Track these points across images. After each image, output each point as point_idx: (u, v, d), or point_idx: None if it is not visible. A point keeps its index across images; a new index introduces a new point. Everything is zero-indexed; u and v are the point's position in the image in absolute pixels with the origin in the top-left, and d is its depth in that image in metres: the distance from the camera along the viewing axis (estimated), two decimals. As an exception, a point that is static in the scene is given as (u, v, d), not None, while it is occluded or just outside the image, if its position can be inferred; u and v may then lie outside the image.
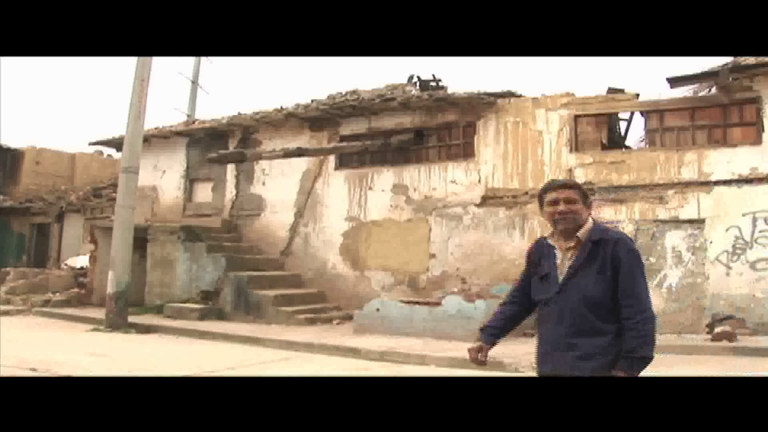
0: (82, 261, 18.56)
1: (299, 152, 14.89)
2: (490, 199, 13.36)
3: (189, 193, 17.90)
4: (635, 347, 2.79)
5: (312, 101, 16.10)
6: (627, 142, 14.08)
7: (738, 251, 11.09)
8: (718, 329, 10.24)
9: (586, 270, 2.94)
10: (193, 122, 18.99)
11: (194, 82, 25.87)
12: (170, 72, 41.37)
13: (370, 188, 14.81)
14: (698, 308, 11.29)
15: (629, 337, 2.81)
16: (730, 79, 11.25)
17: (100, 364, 8.70)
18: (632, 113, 13.65)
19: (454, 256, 13.55)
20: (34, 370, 7.74)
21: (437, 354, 9.42)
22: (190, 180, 17.85)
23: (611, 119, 13.40)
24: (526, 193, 12.84)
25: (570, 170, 12.62)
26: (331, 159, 15.43)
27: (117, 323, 12.50)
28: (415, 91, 15.13)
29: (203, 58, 25.90)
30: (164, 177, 18.11)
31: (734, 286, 11.06)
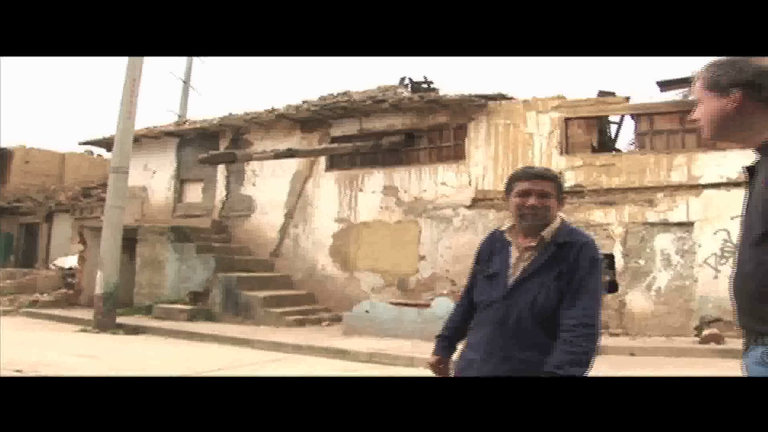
0: (70, 261, 18.46)
1: (290, 153, 14.87)
2: (480, 201, 13.37)
3: (179, 193, 17.85)
4: (564, 363, 2.36)
5: (303, 102, 16.08)
6: (617, 145, 14.14)
7: (726, 254, 11.14)
8: (706, 332, 10.29)
9: (543, 275, 2.55)
10: (184, 122, 18.94)
11: (186, 83, 25.81)
12: (162, 72, 41.33)
13: (361, 190, 14.80)
14: (687, 311, 11.34)
15: (561, 350, 2.40)
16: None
17: (87, 365, 8.66)
18: (622, 116, 13.70)
19: (444, 258, 13.54)
20: (19, 371, 7.68)
21: (426, 356, 9.29)
22: (181, 180, 17.80)
23: (602, 122, 13.46)
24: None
25: (560, 173, 12.60)
26: (322, 160, 15.41)
27: (105, 324, 12.43)
28: (406, 93, 15.13)
29: (195, 59, 25.85)
30: (155, 177, 18.05)
31: (722, 289, 11.04)
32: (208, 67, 57.77)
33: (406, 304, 11.83)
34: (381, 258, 14.23)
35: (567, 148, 12.79)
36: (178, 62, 29.18)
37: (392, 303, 12.03)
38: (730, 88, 1.93)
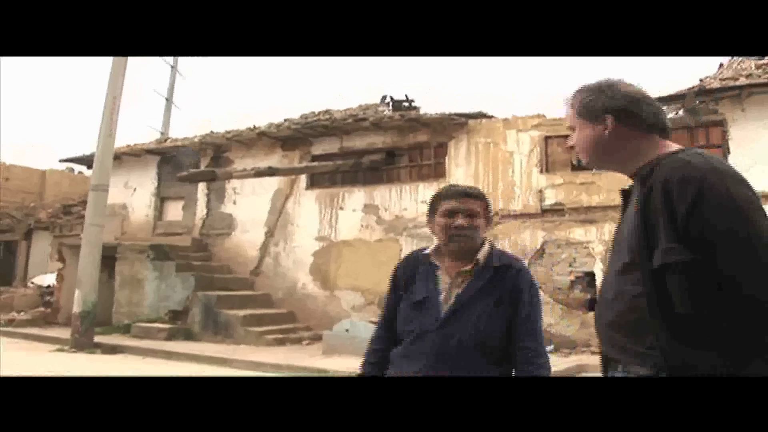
0: (49, 279, 18.26)
1: (270, 172, 14.83)
2: (461, 219, 13.36)
3: (160, 211, 17.77)
4: None
5: (284, 120, 16.10)
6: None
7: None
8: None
9: (481, 302, 2.38)
10: (165, 140, 18.89)
11: (168, 100, 25.81)
12: (145, 89, 41.25)
13: (341, 208, 14.78)
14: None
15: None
16: (697, 102, 11.43)
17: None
18: (602, 135, 13.79)
19: (425, 276, 13.50)
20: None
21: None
22: (161, 198, 17.72)
23: (581, 141, 13.53)
24: (497, 213, 12.88)
25: (540, 191, 12.70)
26: (303, 178, 15.39)
27: (82, 344, 12.27)
28: (387, 112, 15.18)
29: (177, 75, 25.85)
30: (135, 195, 17.96)
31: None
32: (190, 84, 57.69)
33: (386, 323, 11.78)
34: (361, 276, 14.18)
35: (547, 166, 12.86)
36: (161, 79, 29.15)
37: (372, 321, 11.94)
38: (603, 114, 1.94)
